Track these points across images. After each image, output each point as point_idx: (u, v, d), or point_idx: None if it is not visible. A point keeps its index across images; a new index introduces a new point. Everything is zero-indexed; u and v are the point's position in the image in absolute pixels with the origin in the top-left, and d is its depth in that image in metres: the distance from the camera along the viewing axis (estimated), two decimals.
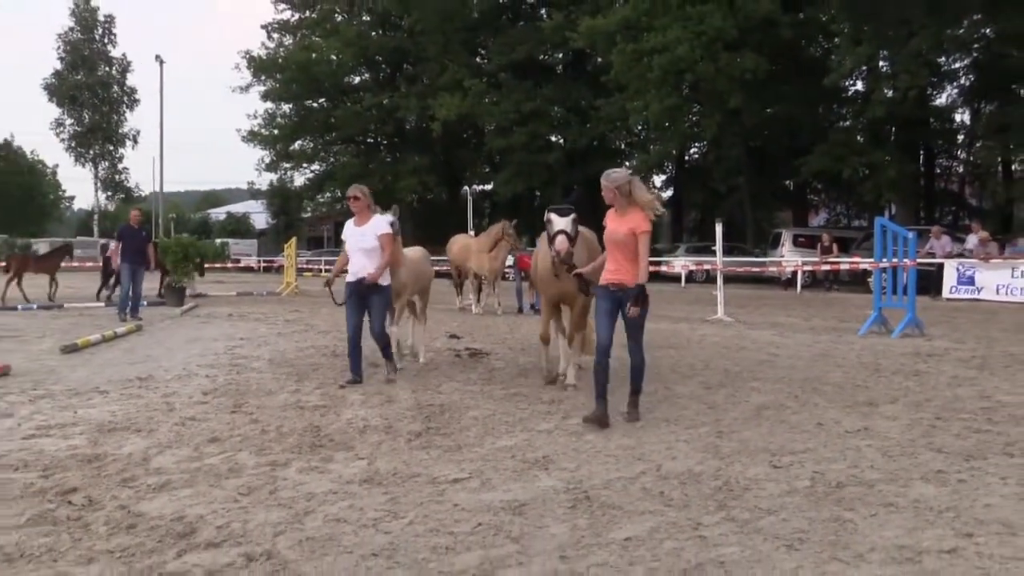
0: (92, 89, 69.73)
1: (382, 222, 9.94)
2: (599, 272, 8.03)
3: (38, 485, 5.78)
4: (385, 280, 9.88)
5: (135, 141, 72.70)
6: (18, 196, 71.21)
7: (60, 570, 4.28)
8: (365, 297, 9.77)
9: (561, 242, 8.76)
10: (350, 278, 9.86)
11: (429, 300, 12.61)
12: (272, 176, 68.38)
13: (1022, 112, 36.04)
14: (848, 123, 43.63)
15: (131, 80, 72.41)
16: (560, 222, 8.95)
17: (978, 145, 44.89)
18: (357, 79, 64.85)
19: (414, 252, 11.78)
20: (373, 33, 61.95)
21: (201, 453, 6.62)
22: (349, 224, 10.08)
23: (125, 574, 4.24)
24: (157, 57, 59.44)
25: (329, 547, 4.63)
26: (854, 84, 43.64)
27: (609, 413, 7.55)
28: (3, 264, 26.63)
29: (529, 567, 4.34)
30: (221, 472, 6.08)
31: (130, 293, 18.56)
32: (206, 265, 27.76)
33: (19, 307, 21.23)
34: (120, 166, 72.71)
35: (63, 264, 26.02)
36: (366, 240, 9.76)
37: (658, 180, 58.59)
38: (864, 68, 40.22)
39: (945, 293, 26.28)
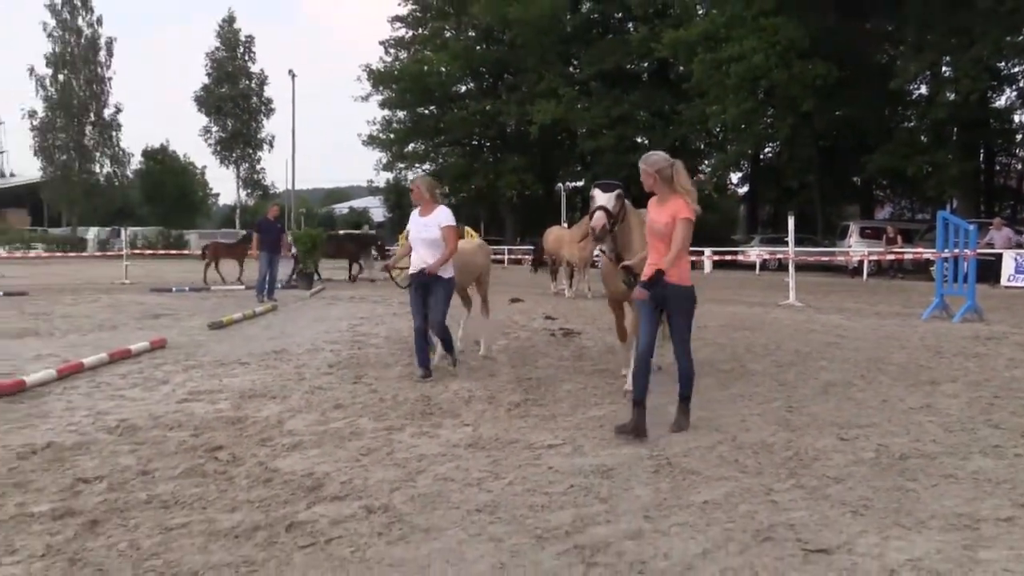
0: (235, 100, 71.21)
1: (446, 214, 8.86)
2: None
3: (190, 443, 5.96)
4: (447, 272, 8.78)
5: (271, 145, 74.12)
6: (173, 194, 73.08)
7: (208, 516, 4.41)
8: (427, 288, 8.73)
9: (598, 218, 7.24)
10: (412, 269, 8.91)
11: (488, 293, 11.24)
12: (388, 175, 69.34)
13: None
14: (912, 124, 42.56)
15: (267, 92, 73.71)
16: (602, 198, 7.47)
17: None
18: (463, 88, 65.10)
19: (463, 244, 10.04)
20: (477, 47, 62.12)
21: (327, 418, 6.76)
22: (414, 214, 9.04)
23: (263, 521, 4.35)
24: (290, 72, 60.45)
25: (438, 502, 4.69)
26: (918, 88, 42.58)
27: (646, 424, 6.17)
28: (201, 252, 28.52)
29: (616, 525, 4.33)
30: (344, 435, 6.20)
31: (266, 278, 19.02)
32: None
33: (173, 289, 21.84)
34: (258, 167, 74.18)
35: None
36: (429, 231, 8.75)
37: (734, 177, 57.88)
38: (927, 73, 39.31)
39: (1003, 281, 25.50)
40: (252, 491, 4.89)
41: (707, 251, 33.60)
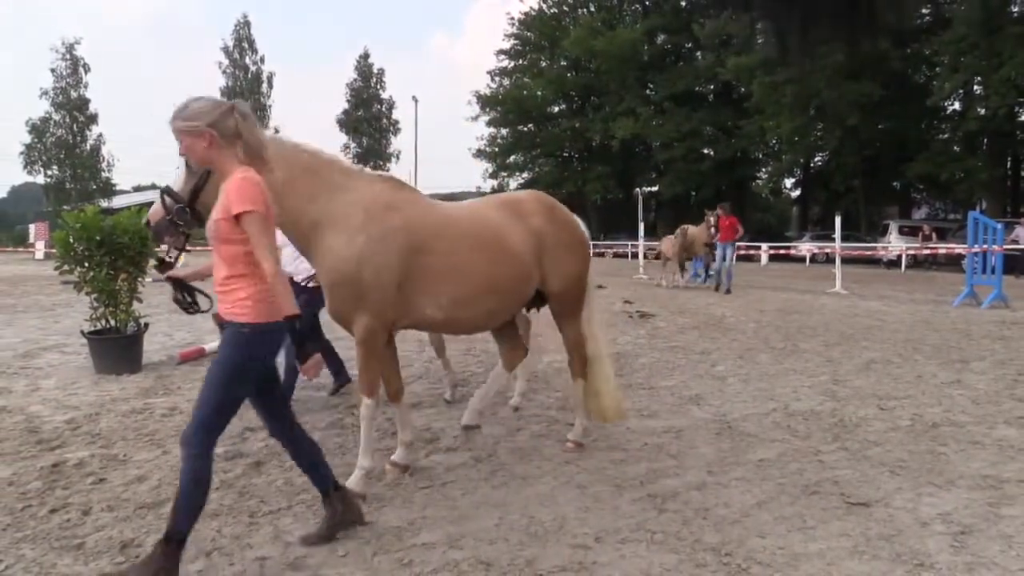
0: (368, 122, 72.50)
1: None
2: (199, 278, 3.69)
3: (331, 402, 6.14)
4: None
5: (397, 159, 75.11)
6: None
7: (347, 460, 4.54)
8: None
9: (155, 209, 3.58)
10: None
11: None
12: (494, 182, 69.70)
13: None
14: (946, 136, 40.97)
15: (395, 114, 74.81)
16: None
17: None
18: (556, 109, 65.02)
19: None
20: (568, 74, 61.95)
21: (442, 383, 6.83)
22: None
23: (389, 467, 4.46)
24: (413, 97, 61.46)
25: (534, 455, 4.72)
26: (952, 104, 40.90)
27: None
28: None
29: (684, 477, 4.30)
30: (456, 397, 6.28)
31: None
32: None
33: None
34: None
35: None
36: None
37: (788, 182, 56.38)
38: (960, 91, 37.84)
39: None
40: (382, 442, 5.01)
41: (764, 245, 33.13)
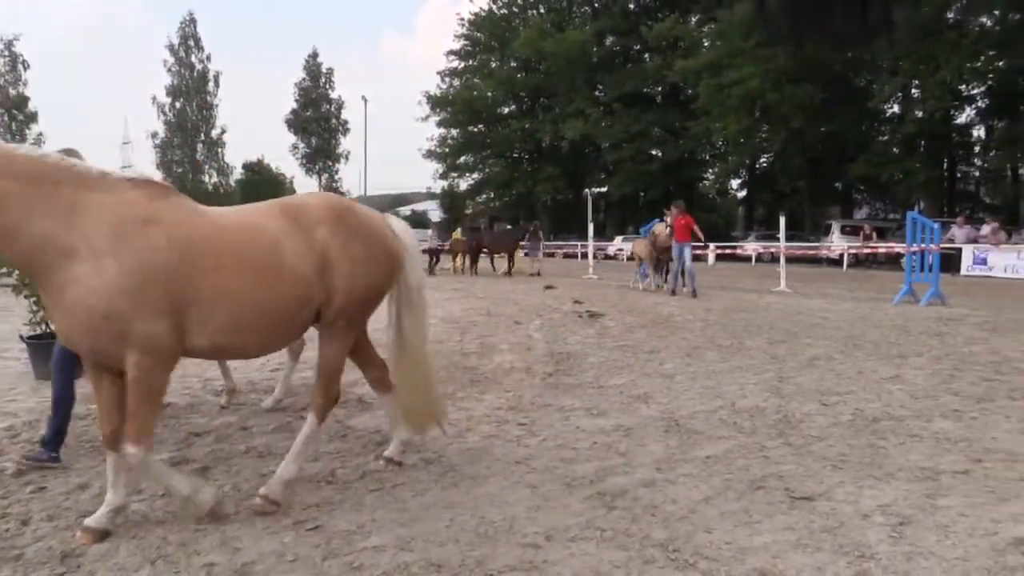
0: (317, 122, 71.81)
1: None
2: None
3: (281, 404, 6.05)
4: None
5: (347, 159, 74.44)
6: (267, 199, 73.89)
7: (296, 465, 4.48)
8: None
9: None
10: None
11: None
12: (444, 183, 69.55)
13: None
14: (886, 138, 42.15)
15: (344, 114, 74.18)
16: None
17: (992, 154, 43.14)
18: (506, 110, 65.16)
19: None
20: (518, 75, 62.14)
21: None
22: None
23: (340, 469, 4.42)
24: (363, 97, 60.92)
25: (484, 456, 4.73)
26: (891, 107, 42.19)
27: None
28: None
29: (633, 474, 4.34)
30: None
31: None
32: None
33: None
34: (336, 177, 74.75)
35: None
36: None
37: (734, 183, 57.33)
38: (899, 94, 39.09)
39: (963, 271, 25.04)
40: (331, 444, 4.97)
41: (711, 245, 33.63)
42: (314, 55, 73.07)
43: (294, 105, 72.60)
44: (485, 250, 26.93)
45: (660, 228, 17.51)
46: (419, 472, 4.41)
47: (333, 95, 73.73)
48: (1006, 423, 5.40)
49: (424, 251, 26.47)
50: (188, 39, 66.30)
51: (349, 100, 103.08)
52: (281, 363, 7.74)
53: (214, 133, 68.00)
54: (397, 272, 4.30)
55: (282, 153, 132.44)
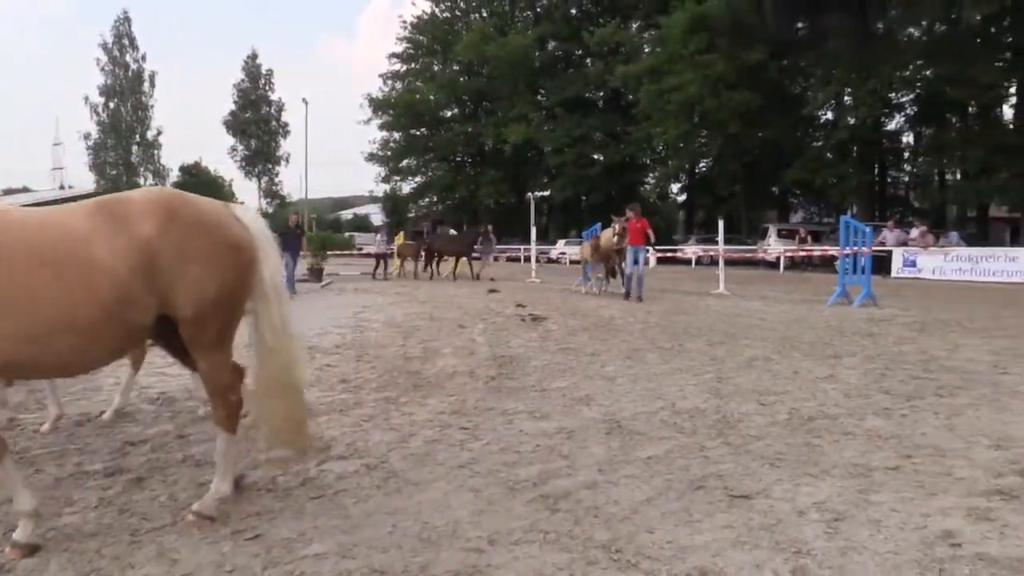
0: (257, 124, 70.83)
1: None
2: None
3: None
4: None
5: (287, 161, 73.62)
6: None
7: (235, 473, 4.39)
8: None
9: None
10: None
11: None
12: (386, 186, 69.09)
13: (953, 136, 35.98)
14: (820, 143, 43.28)
15: (284, 116, 73.25)
16: None
17: (920, 160, 44.67)
18: (449, 113, 65.11)
19: None
20: (461, 79, 62.11)
21: (334, 390, 6.74)
22: None
23: (280, 477, 4.35)
24: (304, 99, 60.04)
25: (427, 460, 4.70)
26: (825, 114, 43.42)
27: None
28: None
29: (575, 477, 4.36)
30: (348, 405, 6.19)
31: (291, 275, 18.79)
32: (337, 252, 28.23)
33: None
34: (276, 180, 73.76)
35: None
36: None
37: (675, 187, 58.15)
38: (832, 101, 40.29)
39: (893, 273, 25.89)
40: (271, 452, 4.88)
41: (652, 248, 33.97)
42: (253, 56, 72.16)
43: (233, 107, 71.54)
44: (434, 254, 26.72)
45: (607, 233, 17.32)
46: (361, 478, 4.37)
47: (273, 97, 72.86)
48: (934, 420, 5.59)
49: (372, 255, 26.17)
50: (122, 38, 64.85)
51: (289, 102, 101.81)
52: None
53: (150, 134, 66.76)
54: (250, 268, 3.78)
55: (220, 155, 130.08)
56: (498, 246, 47.91)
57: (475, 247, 25.63)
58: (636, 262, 16.02)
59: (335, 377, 7.35)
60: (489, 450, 4.91)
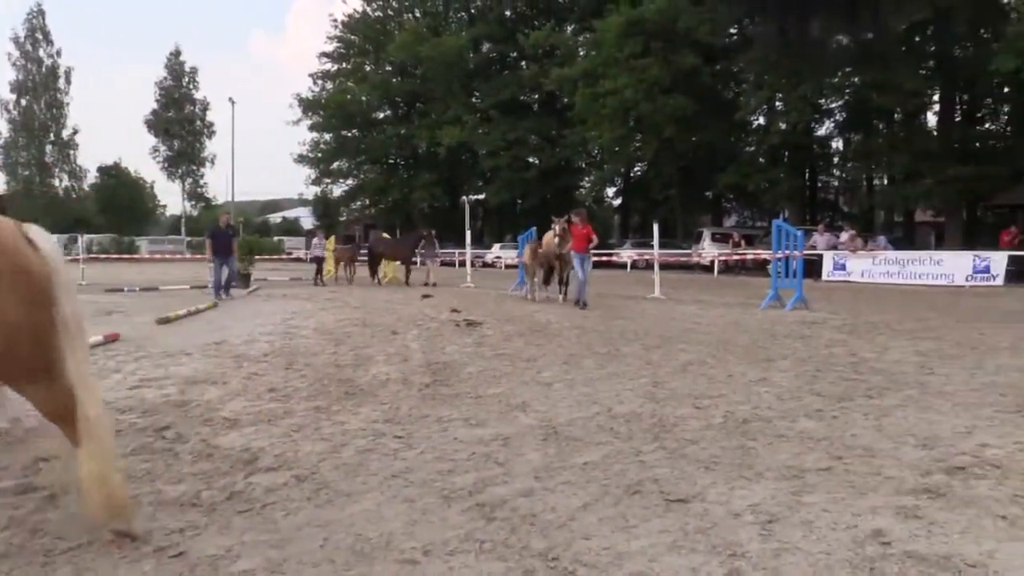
0: (181, 123, 69.30)
1: None
2: None
3: (140, 424, 5.76)
4: None
5: (212, 163, 72.21)
6: (125, 205, 70.50)
7: (156, 488, 4.27)
8: None
9: None
10: None
11: None
12: (317, 189, 68.28)
13: (880, 142, 37.19)
14: (753, 148, 44.30)
15: (210, 116, 71.82)
16: None
17: (849, 166, 46.16)
18: (381, 114, 64.68)
19: None
20: (393, 79, 61.76)
21: (262, 400, 6.61)
22: None
23: (205, 491, 4.24)
24: (230, 99, 58.89)
25: (360, 470, 4.64)
26: (757, 119, 44.38)
27: None
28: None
29: (511, 485, 4.36)
30: (278, 414, 6.07)
31: (221, 279, 18.34)
32: (266, 256, 27.66)
33: (124, 289, 20.90)
34: (201, 182, 72.15)
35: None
36: None
37: (610, 191, 58.82)
38: (764, 107, 41.25)
39: (824, 277, 26.57)
40: (195, 465, 4.76)
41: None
42: (176, 53, 70.60)
43: (155, 105, 69.84)
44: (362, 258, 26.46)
45: (548, 236, 17.00)
46: (291, 490, 4.29)
47: (198, 95, 71.42)
48: (864, 421, 5.76)
49: (311, 259, 25.68)
50: (35, 31, 62.73)
51: (215, 101, 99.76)
52: (145, 379, 7.41)
53: (65, 133, 64.78)
54: (44, 295, 3.30)
55: (142, 156, 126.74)
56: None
57: (417, 252, 25.46)
58: (583, 269, 15.84)
59: (263, 386, 7.21)
60: (423, 459, 4.88)
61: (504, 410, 6.24)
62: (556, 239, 16.19)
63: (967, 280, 23.09)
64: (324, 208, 68.97)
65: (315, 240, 27.70)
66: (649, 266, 30.19)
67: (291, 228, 76.09)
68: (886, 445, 5.08)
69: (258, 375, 7.82)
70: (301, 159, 63.36)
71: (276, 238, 60.01)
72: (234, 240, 19.62)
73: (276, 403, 6.48)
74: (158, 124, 69.03)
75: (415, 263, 25.38)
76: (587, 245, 15.94)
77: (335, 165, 64.43)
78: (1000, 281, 22.57)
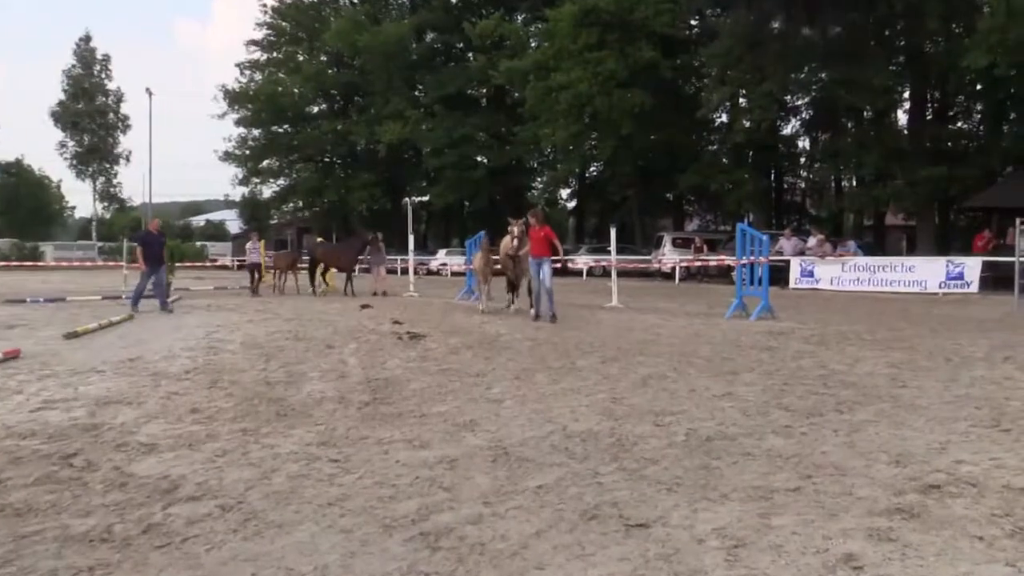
0: (91, 116, 68.04)
1: None
2: None
3: (44, 450, 5.60)
4: None
5: (128, 160, 71.11)
6: (28, 207, 68.95)
7: (62, 522, 4.16)
8: None
9: None
10: None
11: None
12: (244, 189, 67.40)
13: (849, 141, 37.94)
14: (715, 147, 44.93)
15: (124, 108, 70.68)
16: None
17: (816, 166, 47.05)
18: (316, 108, 64.16)
19: None
20: (329, 71, 61.33)
21: (183, 422, 6.49)
22: None
23: (118, 524, 4.14)
24: (147, 90, 58.04)
25: (292, 498, 4.58)
26: (720, 116, 45.01)
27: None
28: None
29: (458, 511, 4.34)
30: (200, 438, 5.96)
31: (146, 289, 17.77)
32: (188, 264, 27.09)
33: (27, 300, 20.32)
34: (115, 181, 70.98)
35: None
36: None
37: (564, 193, 59.18)
38: (727, 104, 41.75)
39: (791, 284, 26.98)
40: (107, 495, 4.64)
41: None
42: (86, 39, 69.36)
43: (62, 96, 68.38)
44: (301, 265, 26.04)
45: (505, 240, 16.46)
46: (215, 521, 4.20)
47: (111, 86, 70.30)
48: (834, 437, 5.86)
49: (245, 267, 25.22)
50: None
51: (131, 92, 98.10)
52: (50, 400, 7.22)
53: None
54: None
55: (47, 152, 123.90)
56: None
57: (361, 258, 25.08)
58: (540, 276, 14.97)
59: (184, 407, 7.07)
60: (362, 484, 4.83)
61: (450, 430, 6.22)
62: (515, 242, 15.66)
63: (940, 287, 23.66)
64: (252, 210, 68.14)
65: (249, 245, 26.67)
66: (606, 273, 30.46)
67: (215, 233, 75.15)
68: (858, 463, 5.17)
69: (178, 394, 7.67)
70: (227, 156, 62.30)
71: (199, 243, 59.17)
72: (164, 247, 19.13)
73: (199, 425, 6.36)
74: (65, 117, 67.64)
75: (355, 272, 25.01)
76: (549, 249, 15.19)
77: (264, 163, 63.62)
78: (975, 288, 23.14)
